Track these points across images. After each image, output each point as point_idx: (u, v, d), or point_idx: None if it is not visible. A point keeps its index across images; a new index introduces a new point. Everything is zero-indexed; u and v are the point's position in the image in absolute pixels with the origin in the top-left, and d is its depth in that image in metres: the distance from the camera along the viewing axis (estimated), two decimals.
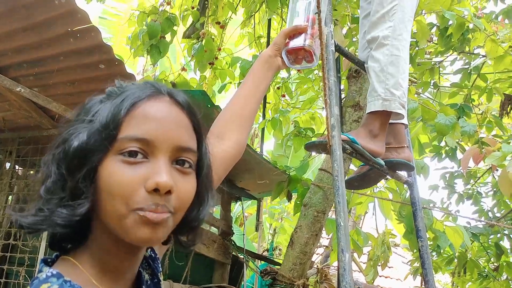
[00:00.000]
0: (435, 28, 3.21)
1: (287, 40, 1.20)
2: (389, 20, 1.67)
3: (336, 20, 2.67)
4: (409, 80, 3.87)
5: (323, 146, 1.56)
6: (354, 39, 2.86)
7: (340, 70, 2.23)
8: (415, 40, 2.80)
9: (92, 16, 1.94)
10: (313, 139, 2.83)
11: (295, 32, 1.21)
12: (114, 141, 0.60)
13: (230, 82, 3.60)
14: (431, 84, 3.84)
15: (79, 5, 1.78)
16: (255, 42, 4.12)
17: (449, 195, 4.25)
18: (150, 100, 0.64)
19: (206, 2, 3.84)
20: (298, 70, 3.70)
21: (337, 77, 2.08)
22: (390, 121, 1.72)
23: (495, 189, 4.16)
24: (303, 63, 1.24)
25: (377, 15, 1.70)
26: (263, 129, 3.92)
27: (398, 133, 1.79)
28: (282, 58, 1.19)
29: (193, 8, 3.81)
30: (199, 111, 0.70)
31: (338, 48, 1.94)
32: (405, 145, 1.78)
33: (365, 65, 1.94)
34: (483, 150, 2.19)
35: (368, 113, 1.70)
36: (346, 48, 2.32)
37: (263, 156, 3.56)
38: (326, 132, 1.57)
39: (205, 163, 0.70)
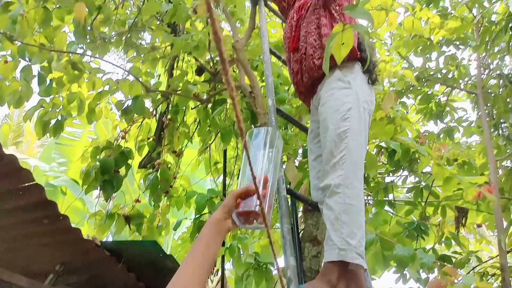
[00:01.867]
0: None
1: (238, 200, 1.18)
2: (340, 169, 1.71)
3: (288, 153, 2.75)
4: (365, 199, 3.97)
5: None
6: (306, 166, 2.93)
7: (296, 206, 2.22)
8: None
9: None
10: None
11: (246, 194, 1.19)
12: None
13: (186, 218, 3.55)
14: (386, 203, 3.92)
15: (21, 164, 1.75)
16: (212, 167, 4.15)
17: None
18: None
19: (162, 133, 3.90)
20: None
21: (294, 219, 2.07)
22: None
23: None
24: (254, 223, 1.21)
25: (328, 164, 1.75)
26: (222, 257, 3.77)
27: (358, 278, 1.75)
28: (232, 219, 1.16)
29: (149, 138, 3.86)
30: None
31: (290, 192, 1.96)
32: None
33: (320, 208, 1.95)
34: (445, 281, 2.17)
35: (326, 262, 1.66)
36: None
37: None
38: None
39: None
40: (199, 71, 3.81)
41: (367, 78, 1.98)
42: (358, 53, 1.98)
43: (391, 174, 4.06)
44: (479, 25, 3.62)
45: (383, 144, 3.24)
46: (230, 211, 1.16)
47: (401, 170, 3.81)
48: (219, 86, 3.67)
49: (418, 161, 3.27)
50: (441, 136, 4.56)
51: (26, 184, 1.73)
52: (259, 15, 2.60)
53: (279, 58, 2.77)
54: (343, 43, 1.29)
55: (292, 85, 2.32)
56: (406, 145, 2.90)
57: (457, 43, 4.19)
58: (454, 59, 4.28)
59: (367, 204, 3.94)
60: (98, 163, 3.09)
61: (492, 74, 4.78)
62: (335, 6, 1.98)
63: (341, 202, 1.65)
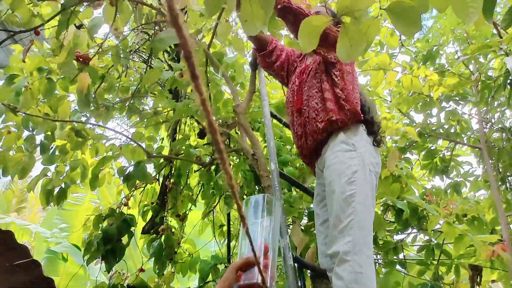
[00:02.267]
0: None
1: (239, 273, 1.13)
2: (348, 235, 1.65)
3: (294, 217, 2.69)
4: (375, 259, 3.85)
5: None
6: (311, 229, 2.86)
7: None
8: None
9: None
10: None
11: (247, 266, 1.14)
12: None
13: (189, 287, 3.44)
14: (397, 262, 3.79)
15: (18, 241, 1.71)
16: (217, 231, 4.07)
17: None
18: None
19: (165, 197, 3.85)
20: None
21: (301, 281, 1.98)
22: None
23: None
24: None
25: (336, 229, 1.70)
26: None
27: None
28: None
29: (152, 203, 3.81)
30: None
31: (297, 260, 1.89)
32: None
33: (328, 275, 1.87)
34: None
35: None
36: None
37: None
38: None
39: None
40: (201, 134, 3.83)
41: (372, 140, 1.96)
42: (362, 115, 1.98)
43: (399, 233, 3.97)
44: (478, 82, 3.67)
45: (389, 202, 3.19)
46: (231, 284, 1.10)
47: (410, 228, 3.71)
48: None
49: (427, 218, 3.20)
50: (448, 191, 4.49)
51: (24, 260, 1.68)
52: (259, 79, 2.64)
53: (280, 121, 2.79)
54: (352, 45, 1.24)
55: (294, 146, 2.31)
56: (414, 204, 2.84)
57: (457, 98, 4.23)
58: (455, 114, 4.30)
59: (377, 265, 3.81)
60: (100, 232, 3.03)
61: (494, 128, 4.78)
62: (336, 71, 2.01)
63: (351, 270, 1.58)
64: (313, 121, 2.03)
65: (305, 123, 2.08)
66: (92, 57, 3.03)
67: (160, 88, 3.62)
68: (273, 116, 2.67)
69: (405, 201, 2.77)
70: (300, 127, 2.12)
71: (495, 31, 4.67)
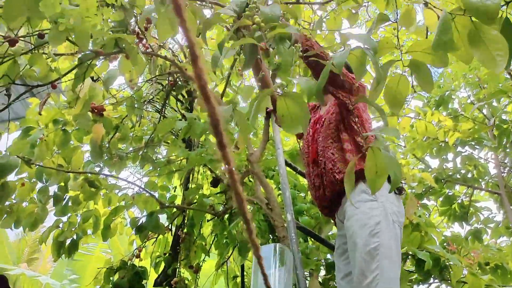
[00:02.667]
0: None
1: None
2: None
3: (311, 269, 2.60)
4: None
5: None
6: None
7: None
8: None
9: None
10: None
11: None
12: None
13: None
14: None
15: None
16: (230, 282, 3.95)
17: None
18: None
19: (178, 247, 3.77)
20: None
21: None
22: None
23: None
24: None
25: (360, 286, 1.62)
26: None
27: None
28: None
29: (165, 254, 3.73)
30: None
31: None
32: None
33: None
34: None
35: None
36: None
37: None
38: None
39: None
40: (215, 182, 3.80)
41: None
42: None
43: (420, 283, 3.81)
44: (493, 127, 3.63)
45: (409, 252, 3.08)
46: None
47: (432, 279, 3.56)
48: None
49: (450, 268, 3.07)
50: (469, 238, 4.35)
51: None
52: (273, 127, 2.63)
53: (294, 169, 2.75)
54: (377, 172, 1.25)
55: (310, 194, 2.26)
56: (435, 254, 2.73)
57: (473, 143, 4.17)
58: (472, 159, 4.24)
59: None
60: (111, 286, 2.94)
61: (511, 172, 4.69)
62: (354, 118, 1.99)
63: None
64: (330, 172, 1.99)
65: (322, 174, 2.03)
66: (107, 108, 3.07)
67: (173, 137, 3.63)
68: (287, 164, 2.64)
69: (426, 251, 2.66)
70: (317, 178, 2.07)
71: (507, 75, 4.68)
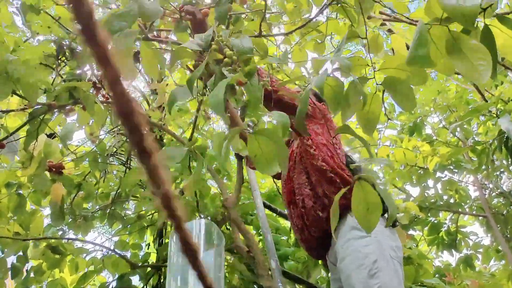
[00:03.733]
0: None
1: None
2: None
3: None
4: None
5: None
6: None
7: None
8: None
9: None
10: None
11: None
12: None
13: None
14: None
15: None
16: None
17: None
18: None
19: None
20: None
21: None
22: None
23: None
24: None
25: None
26: None
27: None
28: None
29: None
30: None
31: None
32: None
33: None
34: None
35: None
36: None
37: None
38: None
39: None
40: None
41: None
42: None
43: None
44: (469, 148, 3.57)
45: None
46: None
47: None
48: None
49: None
50: (461, 266, 4.19)
51: None
52: (247, 169, 2.45)
53: (274, 211, 2.56)
54: (369, 208, 1.09)
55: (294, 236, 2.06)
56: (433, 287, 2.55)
57: (451, 167, 4.11)
58: (452, 183, 4.15)
59: None
60: None
61: (493, 194, 4.63)
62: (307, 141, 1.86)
63: None
64: (311, 210, 1.81)
65: (302, 214, 1.85)
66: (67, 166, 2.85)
67: (142, 190, 3.40)
68: (266, 206, 2.45)
69: (422, 285, 2.47)
70: (298, 219, 1.89)
71: (470, 97, 4.71)
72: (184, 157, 2.60)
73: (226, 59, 1.34)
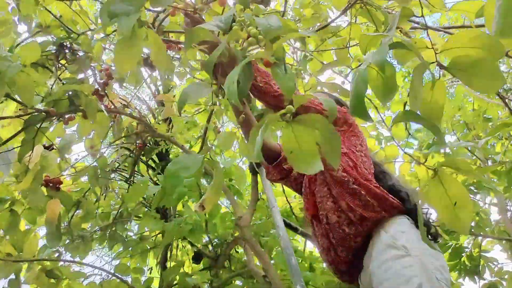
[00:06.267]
0: None
1: None
2: None
3: None
4: None
5: None
6: None
7: None
8: None
9: None
10: None
11: None
12: None
13: None
14: None
15: None
16: None
17: None
18: None
19: None
20: None
21: None
22: None
23: None
24: None
25: None
26: None
27: None
28: None
29: None
30: None
31: None
32: None
33: None
34: None
35: None
36: None
37: None
38: None
39: None
40: (197, 258, 3.30)
41: (426, 235, 1.48)
42: (399, 203, 1.54)
43: None
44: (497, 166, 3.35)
45: None
46: None
47: None
48: (221, 272, 3.12)
49: None
50: None
51: None
52: (263, 183, 2.21)
53: (295, 230, 2.32)
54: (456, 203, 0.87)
55: (323, 261, 1.81)
56: None
57: (472, 188, 3.88)
58: (474, 205, 3.90)
59: None
60: None
61: None
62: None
63: None
64: (335, 226, 1.58)
65: (327, 232, 1.62)
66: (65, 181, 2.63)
67: (145, 209, 3.16)
68: (287, 225, 2.21)
69: None
70: (323, 238, 1.65)
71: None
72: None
73: (250, 39, 1.13)
